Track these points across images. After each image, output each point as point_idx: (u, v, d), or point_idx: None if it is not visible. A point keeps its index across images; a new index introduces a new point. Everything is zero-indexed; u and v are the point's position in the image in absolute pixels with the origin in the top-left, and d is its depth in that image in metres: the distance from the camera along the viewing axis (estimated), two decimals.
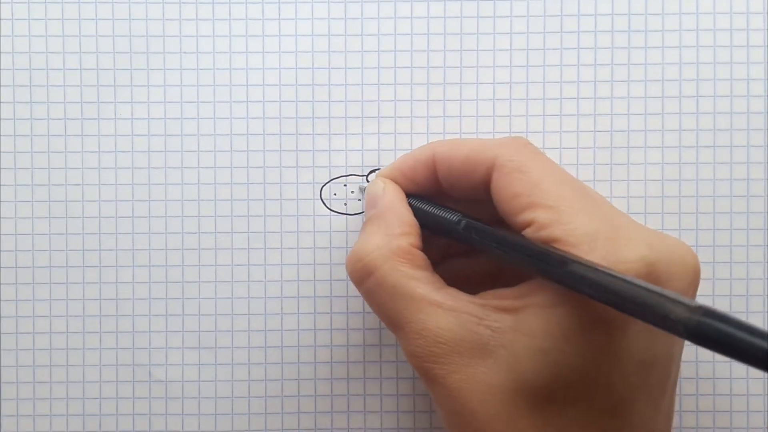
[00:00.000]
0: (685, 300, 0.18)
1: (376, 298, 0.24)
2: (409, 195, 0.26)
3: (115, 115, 0.29)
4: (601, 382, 0.21)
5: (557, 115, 0.29)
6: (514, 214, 0.23)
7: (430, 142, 0.28)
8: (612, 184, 0.29)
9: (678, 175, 0.29)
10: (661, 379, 0.23)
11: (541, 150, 0.25)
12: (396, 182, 0.26)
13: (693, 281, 0.23)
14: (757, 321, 0.29)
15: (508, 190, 0.23)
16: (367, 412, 0.29)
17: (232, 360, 0.29)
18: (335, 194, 0.29)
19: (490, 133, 0.29)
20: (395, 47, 0.29)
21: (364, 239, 0.25)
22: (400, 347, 0.24)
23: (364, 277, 0.24)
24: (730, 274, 0.29)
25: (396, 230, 0.24)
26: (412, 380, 0.29)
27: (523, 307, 0.22)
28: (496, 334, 0.22)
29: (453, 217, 0.25)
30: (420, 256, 0.24)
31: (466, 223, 0.24)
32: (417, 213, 0.25)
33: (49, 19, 0.29)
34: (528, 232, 0.22)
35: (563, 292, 0.21)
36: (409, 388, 0.29)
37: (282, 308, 0.29)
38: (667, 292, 0.18)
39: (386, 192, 0.26)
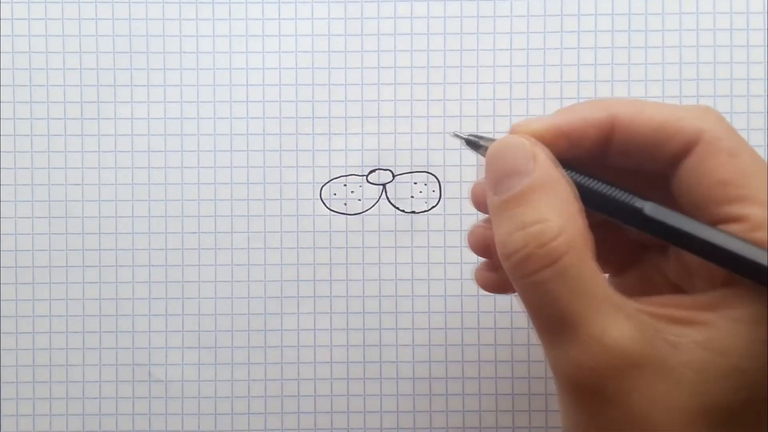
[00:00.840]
0: None
1: (550, 291, 0.19)
2: (564, 165, 0.20)
3: (115, 115, 0.29)
4: None
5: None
6: (717, 204, 0.19)
7: (600, 99, 0.22)
8: None
9: None
10: None
11: None
12: (548, 143, 0.20)
13: None
14: None
15: (715, 174, 0.19)
16: (367, 412, 0.29)
17: (232, 360, 0.29)
18: (335, 194, 0.29)
19: (490, 133, 0.29)
20: (395, 47, 0.29)
21: (536, 217, 0.19)
22: (552, 357, 0.19)
23: (541, 266, 0.19)
24: None
25: (575, 207, 0.19)
26: (412, 380, 0.29)
27: (715, 321, 0.19)
28: (677, 349, 0.18)
29: (631, 198, 0.20)
30: (594, 244, 0.19)
31: (653, 205, 0.19)
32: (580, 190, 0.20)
33: (49, 19, 0.29)
34: (733, 229, 0.19)
35: (763, 305, 0.18)
36: (409, 388, 0.29)
37: (282, 308, 0.29)
38: None
39: (541, 157, 0.20)
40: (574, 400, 0.19)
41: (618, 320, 0.18)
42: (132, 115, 0.29)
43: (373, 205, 0.29)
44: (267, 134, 0.29)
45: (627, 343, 0.18)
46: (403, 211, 0.29)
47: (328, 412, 0.29)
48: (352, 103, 0.29)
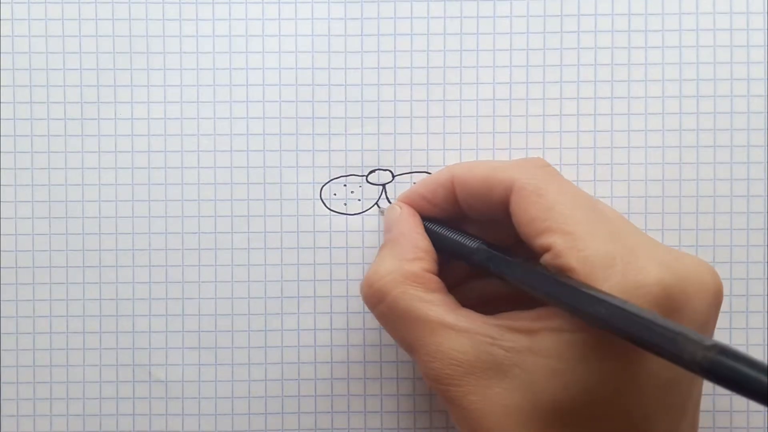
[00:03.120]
0: (699, 337, 0.18)
1: (390, 322, 0.24)
2: (428, 219, 0.26)
3: (115, 115, 0.29)
4: (618, 405, 0.21)
5: (557, 115, 0.29)
6: (532, 237, 0.23)
7: (447, 165, 0.28)
8: (612, 184, 0.29)
9: (678, 175, 0.29)
10: (681, 401, 0.22)
11: (557, 166, 0.26)
12: (417, 205, 0.27)
13: (713, 302, 0.22)
14: (757, 321, 0.29)
15: (526, 213, 0.23)
16: (368, 413, 0.29)
17: (232, 360, 0.29)
18: (335, 194, 0.29)
19: (491, 133, 0.29)
20: (395, 47, 0.29)
21: (378, 264, 0.25)
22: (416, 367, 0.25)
23: (376, 302, 0.24)
24: (730, 274, 0.29)
25: (408, 255, 0.25)
26: (412, 380, 0.29)
27: (540, 329, 0.22)
28: (510, 354, 0.22)
29: (471, 243, 0.25)
30: (433, 279, 0.24)
31: (482, 252, 0.25)
32: (435, 238, 0.26)
33: (49, 19, 0.29)
34: (546, 258, 0.22)
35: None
36: (409, 388, 0.29)
37: (282, 308, 0.29)
38: (680, 327, 0.18)
39: (401, 217, 0.26)
40: (440, 401, 0.24)
41: (448, 337, 0.23)
42: (132, 115, 0.29)
43: (373, 205, 0.30)
44: (267, 134, 0.29)
45: (456, 355, 0.22)
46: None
47: (328, 412, 0.29)
48: (352, 103, 0.29)
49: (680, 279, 0.21)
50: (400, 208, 0.27)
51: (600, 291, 0.20)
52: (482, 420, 0.22)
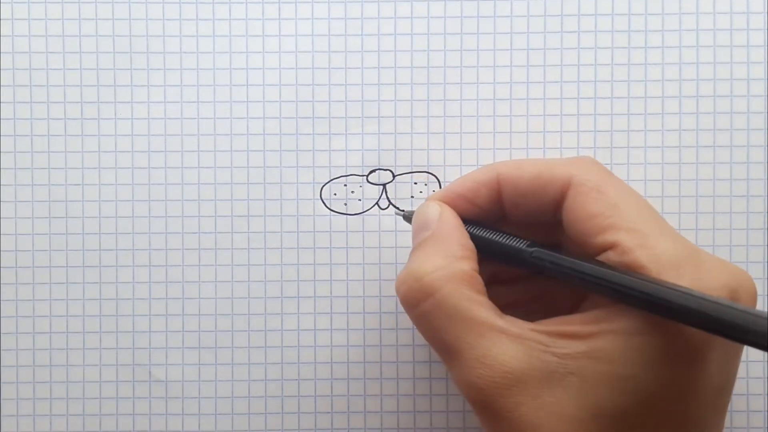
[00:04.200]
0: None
1: (433, 321, 0.22)
2: (465, 221, 0.25)
3: (115, 115, 0.29)
4: (677, 409, 0.21)
5: (557, 115, 0.29)
6: (592, 235, 0.22)
7: (490, 163, 0.26)
8: None
9: (678, 175, 0.29)
10: (726, 403, 0.22)
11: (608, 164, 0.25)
12: (454, 205, 0.25)
13: (754, 306, 0.22)
14: None
15: (586, 210, 0.22)
16: (368, 413, 0.29)
17: (232, 360, 0.29)
18: (335, 194, 0.29)
19: (491, 133, 0.29)
20: (395, 47, 0.29)
21: (421, 260, 0.23)
22: (452, 378, 0.23)
23: (421, 299, 0.22)
24: None
25: (458, 253, 0.23)
26: (412, 380, 0.29)
27: (599, 333, 0.21)
28: (564, 360, 0.21)
29: (520, 243, 0.24)
30: (480, 281, 0.23)
31: (536, 250, 0.23)
32: (474, 239, 0.24)
33: (49, 19, 0.29)
34: (609, 256, 0.21)
35: (643, 318, 0.20)
36: (409, 388, 0.29)
37: (282, 308, 0.29)
38: (750, 309, 0.19)
39: (443, 215, 0.24)
40: (476, 413, 0.22)
41: (500, 342, 0.21)
42: (132, 115, 0.29)
43: (373, 205, 0.30)
44: (267, 134, 0.29)
45: (509, 362, 0.21)
46: (403, 211, 0.29)
47: (328, 413, 0.29)
48: (352, 103, 0.29)
49: (739, 284, 0.21)
50: (440, 206, 0.25)
51: (680, 286, 0.20)
52: None
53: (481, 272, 0.24)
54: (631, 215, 0.21)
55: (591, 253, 0.22)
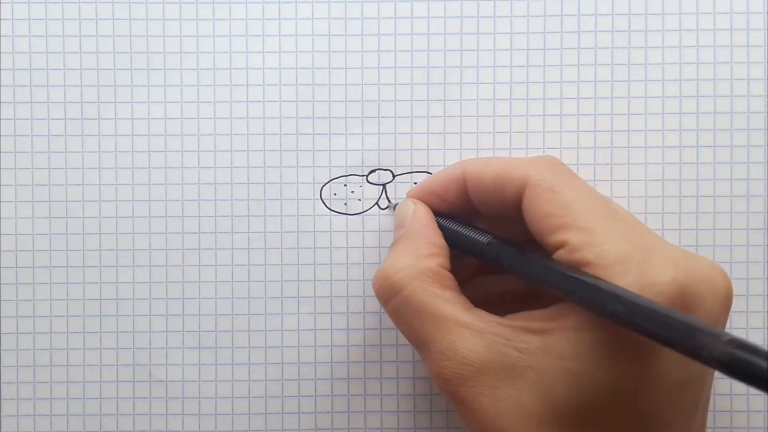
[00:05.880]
0: (717, 331, 0.18)
1: (403, 316, 0.24)
2: (439, 215, 0.26)
3: (115, 115, 0.29)
4: (632, 405, 0.21)
5: (557, 115, 0.29)
6: (546, 234, 0.23)
7: (460, 160, 0.27)
8: (612, 184, 0.29)
9: (678, 175, 0.29)
10: (694, 401, 0.22)
11: (569, 165, 0.25)
12: (427, 201, 0.26)
13: (724, 303, 0.22)
14: (757, 321, 0.29)
15: (540, 210, 0.23)
16: (368, 413, 0.29)
17: (233, 360, 0.29)
18: (335, 194, 0.29)
19: (491, 133, 0.29)
20: (395, 47, 0.29)
21: (392, 258, 0.24)
22: (425, 366, 0.24)
23: (390, 296, 0.24)
24: (731, 274, 0.29)
25: (424, 251, 0.24)
26: (412, 380, 0.29)
27: (554, 329, 0.21)
28: (524, 355, 0.21)
29: (482, 238, 0.25)
30: (448, 277, 0.24)
31: (494, 247, 0.24)
32: (446, 233, 0.26)
33: (49, 19, 0.29)
34: (560, 254, 0.22)
35: (596, 315, 0.21)
36: (409, 388, 0.29)
37: (282, 308, 0.29)
38: (698, 322, 0.18)
39: (415, 213, 0.26)
40: (449, 401, 0.23)
41: (464, 336, 0.22)
42: (132, 115, 0.29)
43: (373, 205, 0.30)
44: (267, 134, 0.29)
45: (471, 355, 0.22)
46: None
47: (328, 413, 0.29)
48: (352, 103, 0.29)
49: (694, 279, 0.21)
50: (414, 204, 0.26)
51: (617, 286, 0.20)
52: (493, 422, 0.21)
53: (464, 263, 0.26)
54: (583, 215, 0.22)
55: (547, 252, 0.23)
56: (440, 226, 0.26)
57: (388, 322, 0.29)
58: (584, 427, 0.21)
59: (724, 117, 0.29)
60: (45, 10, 0.29)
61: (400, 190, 0.29)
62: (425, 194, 0.26)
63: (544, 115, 0.29)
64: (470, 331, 0.22)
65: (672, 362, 0.21)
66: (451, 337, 0.22)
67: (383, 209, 0.29)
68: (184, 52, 0.29)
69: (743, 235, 0.29)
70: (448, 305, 0.23)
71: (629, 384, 0.21)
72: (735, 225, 0.29)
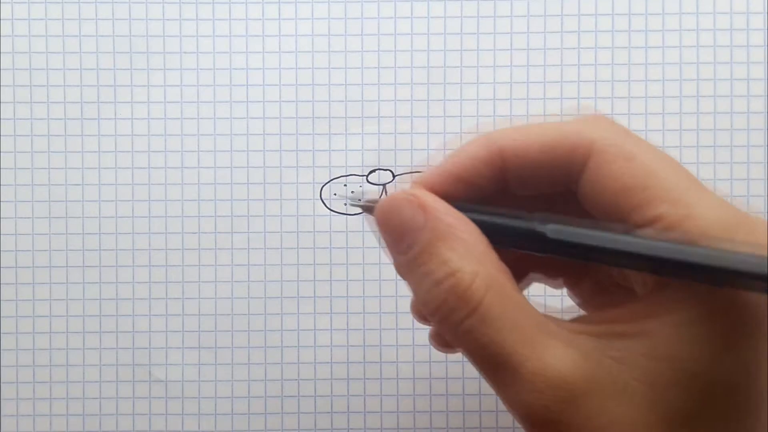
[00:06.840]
0: None
1: (482, 338, 0.18)
2: (455, 206, 0.20)
3: (115, 115, 0.29)
4: (750, 390, 0.18)
5: (557, 115, 0.29)
6: (626, 211, 0.19)
7: (482, 135, 0.21)
8: None
9: None
10: None
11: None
12: (445, 190, 0.20)
13: None
14: None
15: (615, 183, 0.19)
16: (367, 413, 0.29)
17: (232, 360, 0.29)
18: (335, 194, 0.29)
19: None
20: (395, 47, 0.29)
21: (447, 267, 0.18)
22: (504, 398, 0.19)
23: (465, 314, 0.18)
24: None
25: (479, 248, 0.19)
26: (412, 380, 0.29)
27: (657, 329, 0.18)
28: (624, 365, 0.18)
29: (531, 223, 0.19)
30: (513, 278, 0.19)
31: (554, 228, 0.19)
32: (481, 226, 0.19)
33: (49, 19, 0.29)
34: (648, 234, 0.18)
35: (701, 304, 0.18)
36: (409, 388, 0.29)
37: (282, 308, 0.29)
38: None
39: (437, 206, 0.19)
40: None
41: (557, 350, 0.18)
42: (132, 115, 0.29)
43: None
44: (267, 134, 0.29)
45: (571, 372, 0.18)
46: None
47: (328, 413, 0.29)
48: (352, 103, 0.29)
49: None
50: (424, 195, 0.20)
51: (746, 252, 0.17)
52: None
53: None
54: (671, 183, 0.18)
55: (624, 230, 0.19)
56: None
57: (388, 322, 0.29)
58: (704, 426, 0.18)
59: (724, 117, 0.29)
60: (45, 10, 0.29)
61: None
62: (445, 181, 0.20)
63: (544, 116, 0.29)
64: (562, 343, 0.18)
65: None
66: (543, 354, 0.18)
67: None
68: (184, 52, 0.29)
69: None
70: (531, 314, 0.18)
71: (747, 371, 0.18)
72: None
